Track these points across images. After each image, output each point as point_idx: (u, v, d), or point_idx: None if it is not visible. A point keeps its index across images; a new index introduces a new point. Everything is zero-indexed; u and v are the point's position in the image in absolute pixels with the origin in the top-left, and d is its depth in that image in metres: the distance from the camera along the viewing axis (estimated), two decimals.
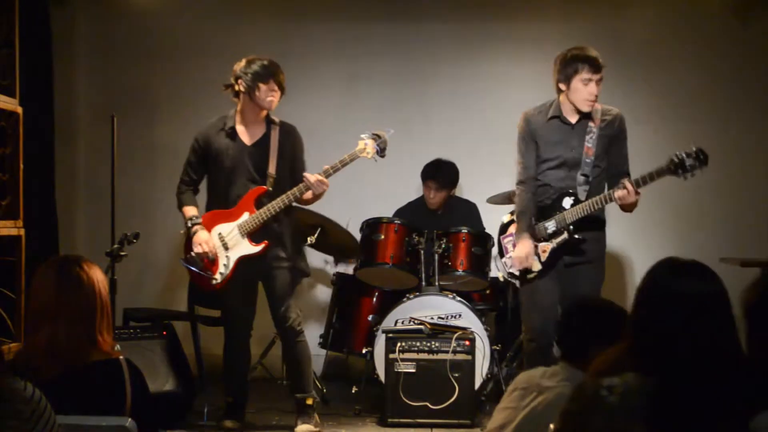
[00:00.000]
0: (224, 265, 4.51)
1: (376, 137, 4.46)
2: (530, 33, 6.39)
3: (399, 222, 5.21)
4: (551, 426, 2.09)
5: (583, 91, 4.26)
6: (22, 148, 4.77)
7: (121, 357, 2.45)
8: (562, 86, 4.31)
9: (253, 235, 4.50)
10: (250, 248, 4.50)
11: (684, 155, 4.08)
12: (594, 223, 4.34)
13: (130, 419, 2.25)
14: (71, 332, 2.39)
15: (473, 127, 6.25)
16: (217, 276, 4.52)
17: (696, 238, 6.11)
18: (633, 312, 1.94)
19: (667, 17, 6.32)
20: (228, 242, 4.51)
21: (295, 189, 4.44)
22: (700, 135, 6.22)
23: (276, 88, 4.48)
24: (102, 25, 6.48)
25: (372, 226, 5.21)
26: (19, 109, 4.77)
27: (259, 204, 4.49)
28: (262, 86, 4.45)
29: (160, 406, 4.37)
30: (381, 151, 4.46)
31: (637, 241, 5.73)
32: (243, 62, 4.50)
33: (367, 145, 4.44)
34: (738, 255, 5.67)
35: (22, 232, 4.74)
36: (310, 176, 4.39)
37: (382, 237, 5.14)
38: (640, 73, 6.30)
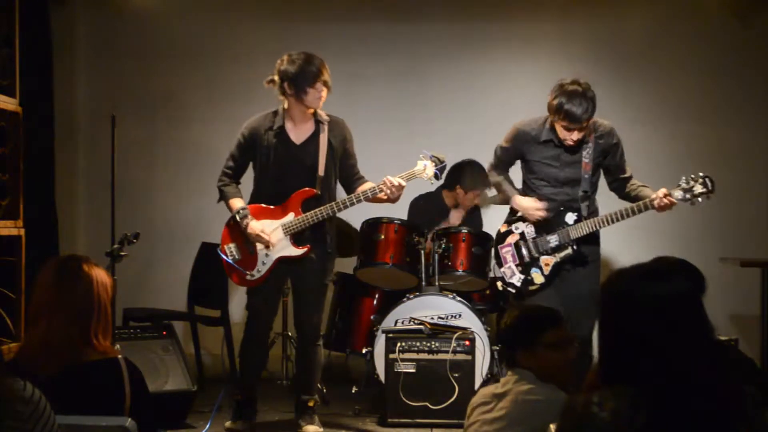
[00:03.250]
0: (263, 262, 4.45)
1: (437, 161, 4.41)
2: (531, 33, 6.39)
3: (399, 222, 5.21)
4: (551, 426, 2.09)
5: (564, 133, 4.30)
6: (22, 148, 4.77)
7: (119, 356, 2.44)
8: (550, 118, 4.34)
9: (296, 237, 4.44)
10: (293, 250, 4.44)
11: (692, 182, 4.14)
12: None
13: (130, 419, 2.24)
14: (65, 331, 2.38)
15: (474, 127, 6.25)
16: (254, 272, 4.46)
17: (696, 238, 6.11)
18: (606, 327, 1.90)
19: (667, 17, 6.32)
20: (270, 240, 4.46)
21: (354, 196, 4.41)
22: (700, 135, 6.25)
23: (323, 87, 4.41)
24: (102, 25, 6.48)
25: (372, 226, 5.21)
26: (19, 109, 4.77)
27: (305, 206, 4.42)
28: (310, 90, 4.38)
29: (160, 406, 4.36)
30: (438, 175, 4.43)
31: (636, 241, 5.72)
32: (285, 60, 4.40)
33: (426, 167, 4.39)
34: (738, 255, 5.67)
35: (22, 232, 4.74)
36: (389, 181, 4.34)
37: (382, 237, 5.14)
38: (640, 73, 6.30)
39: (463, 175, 5.69)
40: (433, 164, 4.39)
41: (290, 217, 4.42)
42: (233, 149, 4.57)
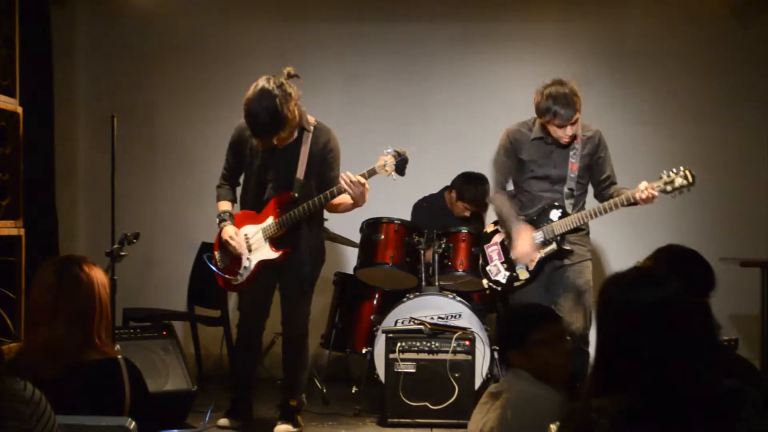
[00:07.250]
0: (245, 267, 4.49)
1: (396, 155, 4.28)
2: (530, 33, 6.39)
3: (399, 222, 5.21)
4: (552, 426, 2.09)
5: (558, 131, 4.39)
6: (22, 148, 4.77)
7: (119, 356, 2.44)
8: (540, 120, 4.41)
9: (275, 241, 4.46)
10: (270, 254, 4.46)
11: (673, 174, 4.21)
12: (576, 228, 4.48)
13: (130, 419, 2.24)
14: (68, 332, 2.38)
15: (473, 128, 6.25)
16: (238, 277, 4.51)
17: (696, 238, 6.10)
18: (602, 334, 1.89)
19: (667, 17, 6.32)
20: (252, 244, 4.49)
21: (322, 195, 4.35)
22: (700, 135, 6.25)
23: (268, 139, 4.32)
24: (102, 25, 6.48)
25: (372, 226, 5.21)
26: (19, 109, 4.77)
27: (284, 209, 4.43)
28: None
29: (159, 406, 4.36)
30: (401, 170, 4.29)
31: (636, 240, 5.71)
32: (249, 92, 4.25)
33: (386, 162, 4.28)
34: (738, 255, 5.67)
35: (22, 232, 4.73)
36: (346, 176, 4.23)
37: (382, 237, 5.14)
38: (640, 73, 6.30)
39: (465, 184, 5.65)
40: (393, 158, 4.28)
41: (269, 221, 4.47)
42: (227, 150, 4.63)
